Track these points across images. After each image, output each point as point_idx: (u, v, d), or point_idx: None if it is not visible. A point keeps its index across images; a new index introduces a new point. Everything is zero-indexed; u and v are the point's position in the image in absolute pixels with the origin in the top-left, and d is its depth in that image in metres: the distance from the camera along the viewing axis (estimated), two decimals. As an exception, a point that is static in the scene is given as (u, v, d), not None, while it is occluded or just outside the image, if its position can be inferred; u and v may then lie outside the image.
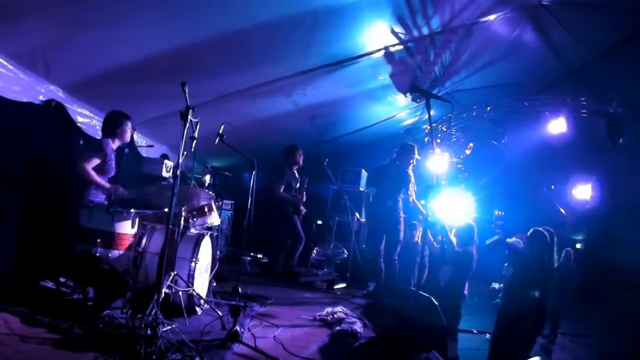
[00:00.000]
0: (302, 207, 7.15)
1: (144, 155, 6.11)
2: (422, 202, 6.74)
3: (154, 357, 3.00)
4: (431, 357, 4.26)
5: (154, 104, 5.40)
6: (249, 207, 4.77)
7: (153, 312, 3.25)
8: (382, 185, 6.63)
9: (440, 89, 7.04)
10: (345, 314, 4.96)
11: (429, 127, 5.38)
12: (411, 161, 6.54)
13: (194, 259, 4.28)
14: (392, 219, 6.45)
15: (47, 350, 3.00)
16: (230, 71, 5.18)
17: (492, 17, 5.44)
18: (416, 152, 6.56)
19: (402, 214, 6.57)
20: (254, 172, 4.79)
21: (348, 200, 7.64)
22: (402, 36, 5.28)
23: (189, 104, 3.59)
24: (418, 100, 7.15)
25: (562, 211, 8.96)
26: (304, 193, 7.29)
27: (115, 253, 4.24)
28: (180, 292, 4.01)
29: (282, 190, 6.93)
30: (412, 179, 6.56)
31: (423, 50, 5.86)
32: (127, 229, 4.35)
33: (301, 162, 7.13)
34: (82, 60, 4.18)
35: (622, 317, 6.23)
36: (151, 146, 6.16)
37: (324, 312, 4.96)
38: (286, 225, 7.00)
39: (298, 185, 7.20)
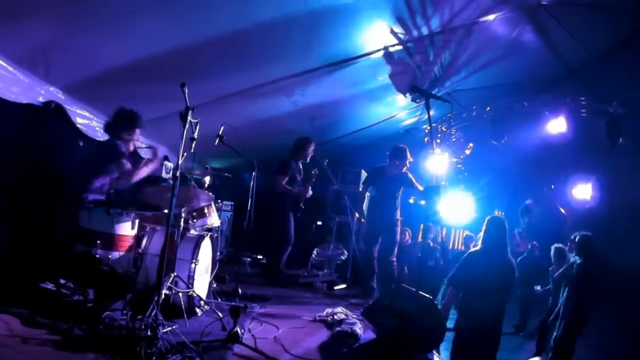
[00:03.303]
0: (302, 203, 6.90)
1: (144, 156, 6.09)
2: (422, 202, 6.72)
3: (154, 358, 3.00)
4: (431, 357, 4.27)
5: (154, 105, 5.39)
6: (249, 208, 4.77)
7: (153, 314, 3.25)
8: (380, 187, 6.61)
9: (440, 89, 7.04)
10: (346, 314, 4.96)
11: (428, 127, 5.39)
12: (406, 162, 6.41)
13: (194, 260, 4.27)
14: (388, 221, 6.42)
15: (48, 352, 3.00)
16: (230, 71, 5.18)
17: (491, 17, 5.44)
18: (408, 153, 6.44)
19: (399, 216, 6.52)
20: (253, 173, 4.79)
21: (348, 201, 7.64)
22: (402, 36, 5.28)
23: (188, 104, 3.58)
24: (418, 101, 7.14)
25: (562, 211, 8.97)
26: (309, 186, 6.91)
27: (115, 254, 4.25)
28: (180, 294, 4.01)
29: (284, 182, 6.64)
30: (413, 179, 6.49)
31: (422, 50, 5.86)
32: (127, 230, 4.35)
33: (309, 157, 6.87)
34: (82, 62, 4.18)
35: (623, 317, 6.23)
36: (151, 147, 6.14)
37: (324, 313, 4.96)
38: (280, 223, 6.75)
39: (300, 178, 6.95)
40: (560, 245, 5.77)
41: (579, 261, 4.88)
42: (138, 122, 4.60)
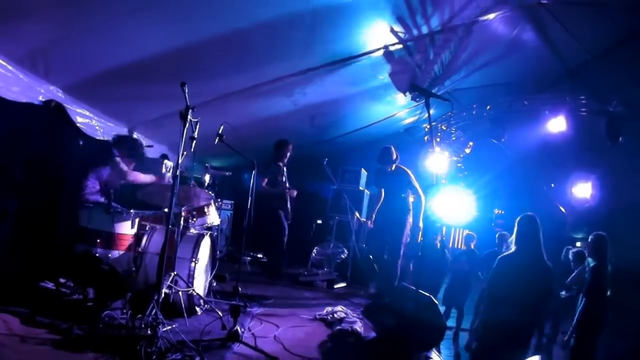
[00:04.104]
0: (290, 202, 6.94)
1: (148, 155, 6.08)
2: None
3: (154, 357, 3.01)
4: (431, 356, 4.27)
5: (154, 104, 5.39)
6: (248, 207, 4.76)
7: (153, 312, 3.26)
8: (384, 187, 6.60)
9: (440, 88, 7.03)
10: (346, 313, 4.96)
11: (428, 126, 5.38)
12: (392, 161, 6.43)
13: (193, 259, 4.28)
14: (395, 220, 6.40)
15: (47, 351, 3.00)
16: (231, 71, 5.18)
17: (491, 16, 5.43)
18: (393, 151, 6.45)
19: (410, 217, 6.47)
20: (253, 172, 4.78)
21: (348, 200, 7.63)
22: (402, 35, 5.27)
23: (188, 104, 3.58)
24: (418, 100, 7.13)
25: (562, 210, 8.97)
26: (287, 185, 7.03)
27: (115, 253, 4.25)
28: (180, 292, 4.01)
29: (264, 184, 6.78)
30: (412, 177, 6.47)
31: (423, 49, 5.85)
32: (127, 229, 4.35)
33: (286, 158, 7.01)
34: (82, 61, 4.18)
35: (623, 316, 6.23)
36: (151, 146, 6.15)
37: (324, 312, 4.97)
38: (271, 219, 6.85)
39: (284, 178, 7.01)
40: (579, 249, 5.60)
41: (591, 264, 4.63)
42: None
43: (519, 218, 4.11)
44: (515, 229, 4.09)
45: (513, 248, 4.09)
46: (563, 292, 5.93)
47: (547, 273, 3.93)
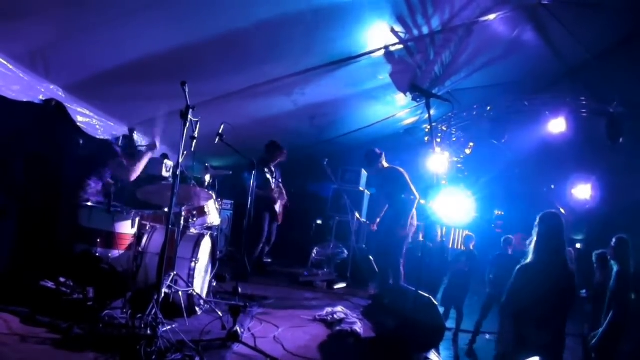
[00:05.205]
0: (279, 208, 6.80)
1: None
2: (423, 201, 6.68)
3: (154, 357, 3.00)
4: (430, 357, 4.27)
5: (154, 104, 5.38)
6: (248, 207, 4.76)
7: (153, 312, 3.25)
8: (384, 190, 6.59)
9: (440, 88, 7.03)
10: (345, 314, 4.96)
11: (429, 127, 5.37)
12: (378, 162, 6.36)
13: (194, 259, 4.27)
14: (388, 221, 6.39)
15: (47, 350, 3.00)
16: (230, 71, 5.17)
17: (492, 16, 5.43)
18: (376, 150, 6.40)
19: (413, 222, 6.43)
20: (253, 172, 4.78)
21: (348, 200, 7.63)
22: (402, 35, 5.27)
23: (189, 103, 3.58)
24: (418, 100, 7.13)
25: (562, 211, 8.97)
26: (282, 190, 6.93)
27: (115, 253, 4.25)
28: (180, 292, 4.00)
29: (255, 187, 6.65)
30: (406, 177, 6.41)
31: (423, 50, 5.85)
32: (127, 228, 4.35)
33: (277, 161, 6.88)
34: (83, 60, 4.17)
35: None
36: (149, 145, 6.14)
37: (324, 312, 4.96)
38: (254, 221, 6.47)
39: (276, 180, 6.87)
40: (602, 251, 5.49)
41: (615, 269, 4.60)
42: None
43: (539, 216, 3.57)
44: (536, 230, 3.55)
45: (531, 256, 3.52)
46: (583, 292, 5.89)
47: (572, 281, 3.46)
